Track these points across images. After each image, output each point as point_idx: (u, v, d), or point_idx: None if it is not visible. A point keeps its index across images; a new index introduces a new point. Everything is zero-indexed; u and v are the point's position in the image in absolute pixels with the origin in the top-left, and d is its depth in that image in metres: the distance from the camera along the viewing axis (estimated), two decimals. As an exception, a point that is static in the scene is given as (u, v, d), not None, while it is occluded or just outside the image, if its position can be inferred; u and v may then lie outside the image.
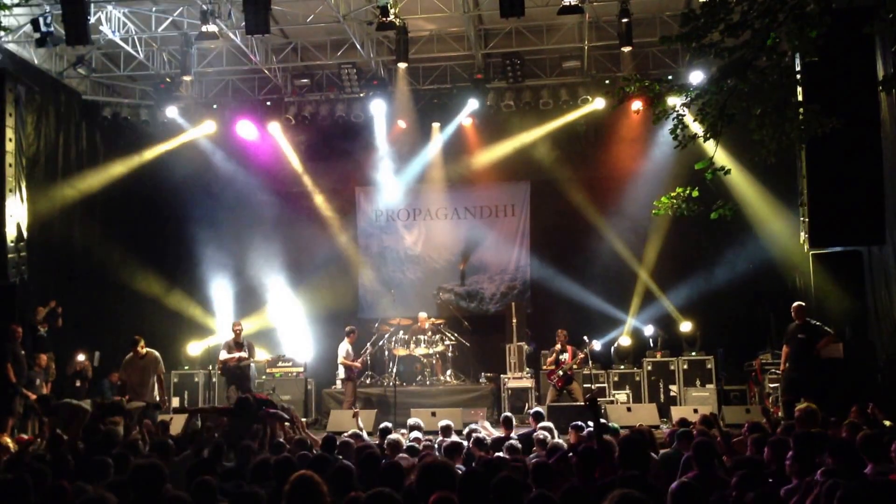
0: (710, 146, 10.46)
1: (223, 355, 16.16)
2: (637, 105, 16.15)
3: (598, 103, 17.86)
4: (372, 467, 7.08)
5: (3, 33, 14.84)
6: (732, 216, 10.77)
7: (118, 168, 19.17)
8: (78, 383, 16.37)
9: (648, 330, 18.13)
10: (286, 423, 11.92)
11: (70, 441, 9.89)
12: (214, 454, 8.39)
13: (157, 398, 14.55)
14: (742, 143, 10.97)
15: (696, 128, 10.86)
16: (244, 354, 16.00)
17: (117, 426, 11.69)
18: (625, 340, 18.09)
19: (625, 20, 15.77)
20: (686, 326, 17.87)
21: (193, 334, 18.98)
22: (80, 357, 16.71)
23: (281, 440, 10.02)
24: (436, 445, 9.81)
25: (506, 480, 5.35)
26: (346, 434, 10.76)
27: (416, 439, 10.31)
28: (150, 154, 19.44)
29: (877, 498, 4.77)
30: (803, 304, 14.11)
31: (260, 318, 19.36)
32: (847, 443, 7.40)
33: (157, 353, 14.79)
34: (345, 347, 17.12)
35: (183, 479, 7.01)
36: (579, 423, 10.73)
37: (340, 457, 8.14)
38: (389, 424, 11.65)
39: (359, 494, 5.38)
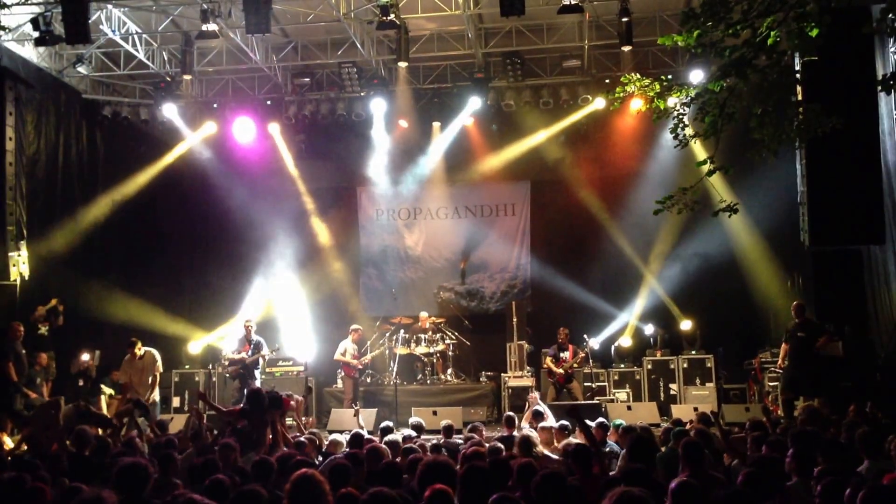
0: (711, 145, 10.46)
1: (230, 353, 16.28)
2: (637, 104, 16.14)
3: (599, 103, 17.84)
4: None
5: (2, 32, 14.82)
6: (734, 214, 10.75)
7: (119, 166, 19.22)
8: (81, 382, 16.35)
9: (648, 329, 18.16)
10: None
11: (49, 442, 9.84)
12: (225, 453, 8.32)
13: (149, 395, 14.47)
14: (742, 143, 10.98)
15: (696, 127, 10.87)
16: (245, 356, 16.01)
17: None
18: (625, 341, 18.11)
19: (625, 19, 15.77)
20: (686, 325, 17.90)
21: (194, 333, 18.97)
22: (85, 356, 16.68)
23: (303, 439, 9.99)
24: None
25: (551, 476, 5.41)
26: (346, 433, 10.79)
27: (409, 438, 10.26)
28: (152, 151, 19.49)
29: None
30: (803, 302, 14.14)
31: (261, 317, 19.34)
32: (837, 441, 7.45)
33: (154, 353, 14.77)
34: (345, 345, 17.15)
35: (186, 478, 7.01)
36: (565, 423, 10.81)
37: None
38: (391, 424, 11.68)
39: (350, 490, 5.41)
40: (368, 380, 18.05)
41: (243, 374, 16.06)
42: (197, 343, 18.65)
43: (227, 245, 19.97)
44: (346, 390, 17.01)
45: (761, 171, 15.48)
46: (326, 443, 10.22)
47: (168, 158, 19.46)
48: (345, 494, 5.37)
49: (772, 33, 9.21)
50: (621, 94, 11.02)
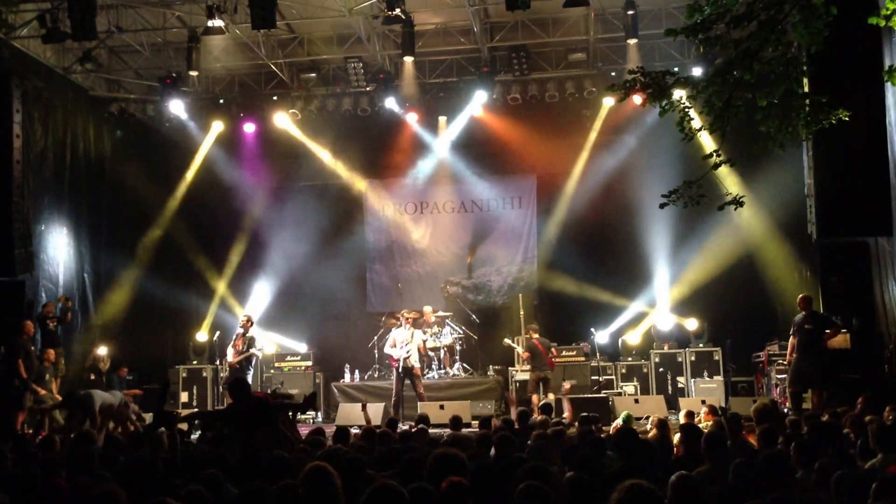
0: (717, 138, 10.46)
1: (230, 355, 16.31)
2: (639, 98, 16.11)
3: (607, 101, 17.89)
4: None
5: (6, 29, 14.86)
6: (740, 207, 10.74)
7: (124, 162, 19.28)
8: (92, 377, 16.40)
9: (667, 323, 18.08)
10: None
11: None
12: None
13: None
14: (749, 135, 10.96)
15: (702, 120, 10.87)
16: (240, 359, 15.98)
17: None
18: (633, 338, 18.09)
19: (630, 12, 15.77)
20: (692, 319, 17.86)
21: (199, 325, 19.02)
22: (101, 351, 16.75)
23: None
24: None
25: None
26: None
27: (423, 430, 10.27)
28: (156, 149, 19.54)
29: None
30: (810, 295, 14.13)
31: (266, 312, 19.41)
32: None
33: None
34: (394, 335, 16.45)
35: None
36: None
37: None
38: (397, 417, 11.70)
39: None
40: (375, 374, 18.09)
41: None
42: (203, 334, 18.69)
43: (232, 240, 19.97)
44: (395, 386, 16.19)
45: (767, 163, 15.50)
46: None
47: (171, 154, 19.56)
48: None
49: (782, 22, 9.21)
50: (626, 89, 10.97)
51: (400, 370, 16.03)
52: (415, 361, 16.01)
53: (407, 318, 16.50)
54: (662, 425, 9.47)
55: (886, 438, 7.13)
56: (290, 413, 11.24)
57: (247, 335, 16.37)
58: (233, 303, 19.53)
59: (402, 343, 16.09)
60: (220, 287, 19.68)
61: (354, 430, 10.63)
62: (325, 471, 4.93)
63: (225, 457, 6.78)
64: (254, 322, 16.93)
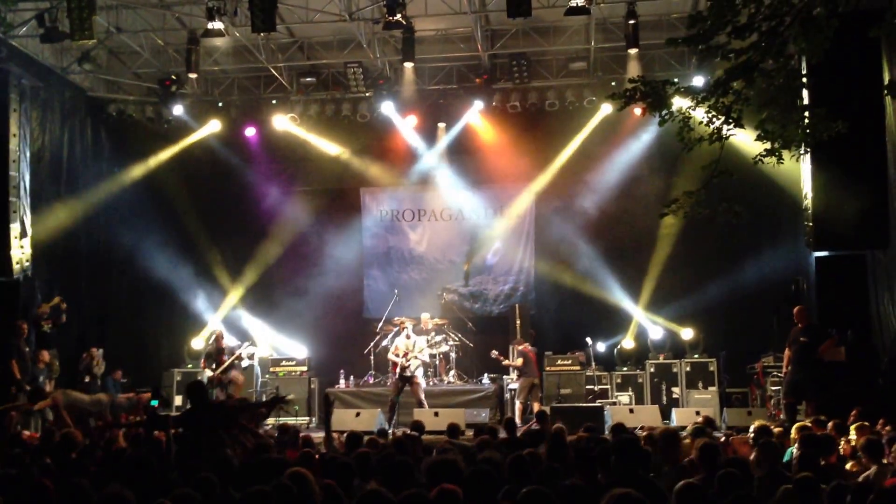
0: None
1: (207, 372, 16.16)
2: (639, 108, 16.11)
3: (606, 108, 17.89)
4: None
5: (4, 28, 14.82)
6: (738, 219, 10.73)
7: (123, 164, 19.24)
8: (87, 378, 16.36)
9: (657, 333, 18.07)
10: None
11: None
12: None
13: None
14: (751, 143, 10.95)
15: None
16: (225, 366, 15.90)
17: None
18: (628, 343, 18.09)
19: (631, 22, 15.76)
20: (688, 329, 17.85)
21: (195, 329, 18.99)
22: (95, 353, 16.71)
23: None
24: None
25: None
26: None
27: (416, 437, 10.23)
28: (154, 152, 19.49)
29: None
30: (805, 307, 14.14)
31: (263, 317, 19.37)
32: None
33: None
34: (396, 343, 16.40)
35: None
36: None
37: None
38: (385, 426, 11.67)
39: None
40: (371, 381, 18.04)
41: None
42: (199, 339, 18.64)
43: (230, 244, 19.95)
44: (392, 390, 16.17)
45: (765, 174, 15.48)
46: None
47: (170, 157, 19.50)
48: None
49: (783, 34, 9.20)
50: (627, 98, 10.94)
51: (399, 376, 15.98)
52: (414, 370, 15.92)
53: (403, 326, 16.45)
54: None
55: (878, 451, 7.14)
56: (259, 413, 11.28)
57: (222, 348, 16.22)
58: (230, 305, 19.47)
59: (404, 351, 16.01)
60: (217, 291, 19.64)
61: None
62: (304, 477, 4.92)
63: (227, 460, 6.75)
64: (219, 334, 16.88)
